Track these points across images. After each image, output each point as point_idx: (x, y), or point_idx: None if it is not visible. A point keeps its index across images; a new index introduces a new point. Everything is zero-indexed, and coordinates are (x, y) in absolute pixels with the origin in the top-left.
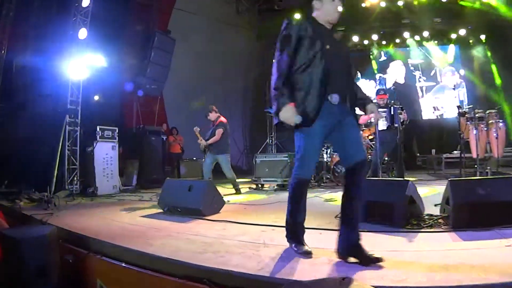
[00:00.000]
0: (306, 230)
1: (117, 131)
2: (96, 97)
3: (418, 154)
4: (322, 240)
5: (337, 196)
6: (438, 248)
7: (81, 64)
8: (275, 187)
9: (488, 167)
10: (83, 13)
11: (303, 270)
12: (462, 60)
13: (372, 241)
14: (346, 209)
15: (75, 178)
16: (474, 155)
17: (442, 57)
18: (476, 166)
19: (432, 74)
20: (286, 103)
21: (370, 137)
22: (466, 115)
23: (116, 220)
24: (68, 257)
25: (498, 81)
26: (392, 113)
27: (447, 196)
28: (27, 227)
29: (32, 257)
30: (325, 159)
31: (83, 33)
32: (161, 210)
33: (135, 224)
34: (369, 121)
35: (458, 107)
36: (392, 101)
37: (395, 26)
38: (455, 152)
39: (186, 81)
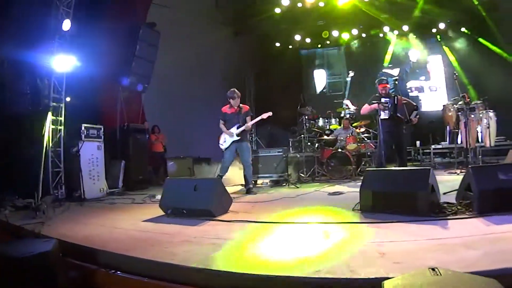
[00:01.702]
0: (338, 224)
1: (102, 129)
2: (68, 99)
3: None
4: (359, 234)
5: (339, 189)
6: (478, 233)
7: (65, 58)
8: (269, 183)
9: (479, 156)
10: (65, 4)
11: (363, 267)
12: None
13: (409, 231)
14: None
15: (60, 181)
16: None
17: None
18: (468, 156)
19: None
20: None
21: (362, 129)
22: (457, 107)
23: (118, 227)
24: (73, 274)
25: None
26: (395, 102)
27: (467, 183)
28: (23, 241)
29: (35, 279)
30: (315, 154)
31: (66, 24)
32: (163, 213)
33: (142, 231)
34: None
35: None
36: (393, 92)
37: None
38: (442, 143)
39: (163, 78)
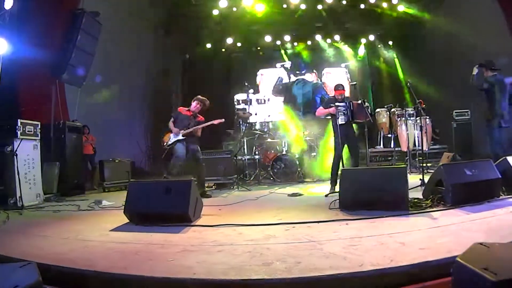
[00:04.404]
0: (327, 223)
1: (39, 126)
2: None
3: None
4: (362, 229)
5: (293, 190)
6: (465, 220)
7: (2, 40)
8: (214, 186)
9: (416, 159)
10: None
11: (398, 255)
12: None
13: (406, 223)
14: None
15: None
16: (405, 149)
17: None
18: (407, 158)
19: None
20: None
21: (306, 132)
22: (397, 112)
23: (88, 239)
24: None
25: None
26: (351, 108)
27: (437, 179)
28: None
29: None
30: (257, 157)
31: (9, 2)
32: (126, 220)
33: (121, 242)
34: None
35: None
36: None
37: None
38: (378, 147)
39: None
